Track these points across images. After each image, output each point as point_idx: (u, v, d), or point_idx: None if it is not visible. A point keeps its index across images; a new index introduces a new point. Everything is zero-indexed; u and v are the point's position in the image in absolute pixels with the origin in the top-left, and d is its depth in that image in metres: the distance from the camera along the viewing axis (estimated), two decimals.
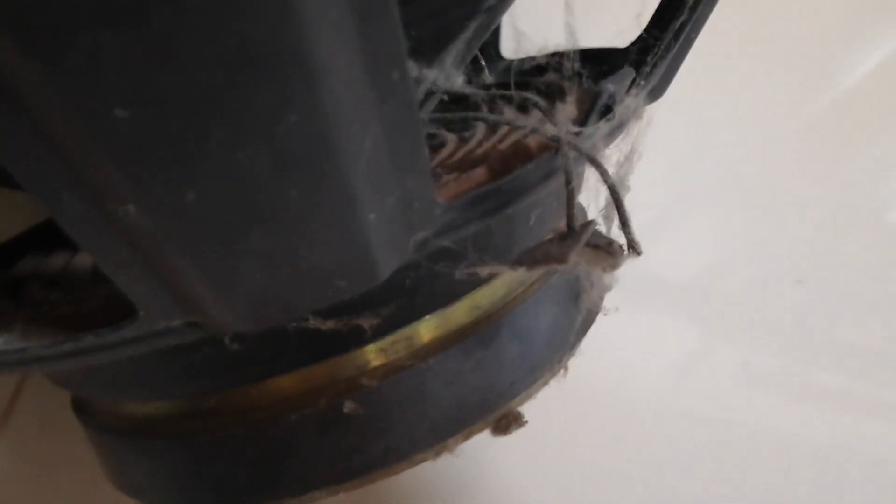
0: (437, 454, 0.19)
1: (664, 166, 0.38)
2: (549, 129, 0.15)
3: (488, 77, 0.23)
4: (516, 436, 0.31)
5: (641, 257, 0.38)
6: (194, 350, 0.16)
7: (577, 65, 0.20)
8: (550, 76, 0.26)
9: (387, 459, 0.18)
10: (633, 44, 0.23)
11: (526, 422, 0.20)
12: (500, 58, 0.29)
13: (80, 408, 0.22)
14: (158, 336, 0.14)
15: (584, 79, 0.21)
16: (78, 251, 0.24)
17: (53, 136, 0.09)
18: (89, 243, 0.12)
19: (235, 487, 0.18)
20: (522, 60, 0.29)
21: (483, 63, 0.23)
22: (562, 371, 0.21)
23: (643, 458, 0.32)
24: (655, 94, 0.20)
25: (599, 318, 0.33)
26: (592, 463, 0.32)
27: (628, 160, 0.21)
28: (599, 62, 0.22)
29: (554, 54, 0.28)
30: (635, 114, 0.17)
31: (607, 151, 0.20)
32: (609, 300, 0.31)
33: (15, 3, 0.08)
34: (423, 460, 0.18)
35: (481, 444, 0.31)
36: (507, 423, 0.20)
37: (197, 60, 0.09)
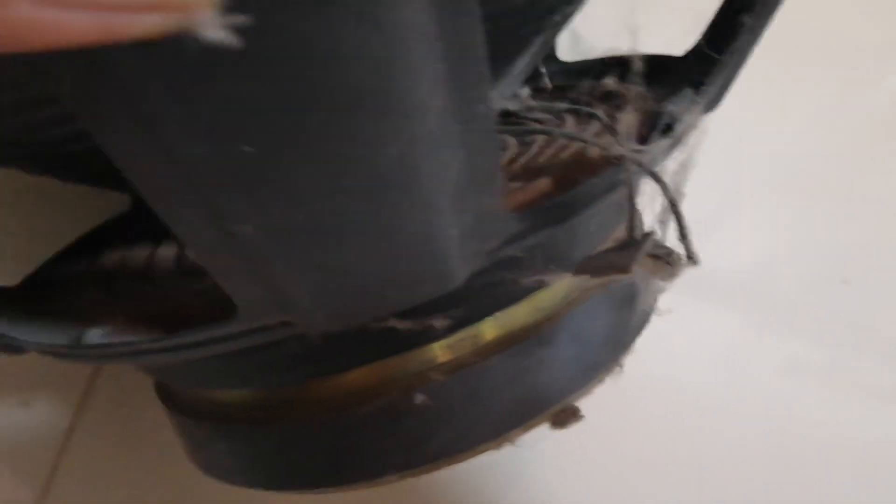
0: (499, 445, 0.20)
1: (715, 162, 0.38)
2: (612, 146, 0.16)
3: (547, 81, 0.24)
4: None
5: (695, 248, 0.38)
6: (280, 344, 0.18)
7: (638, 72, 0.21)
8: (608, 82, 0.27)
9: (453, 449, 0.19)
10: (689, 52, 0.23)
11: (583, 416, 0.21)
12: (557, 60, 0.30)
13: (164, 392, 0.24)
14: (253, 333, 0.16)
15: (642, 86, 0.22)
16: (159, 243, 0.26)
17: (186, 165, 0.11)
18: (204, 255, 0.13)
19: (313, 471, 0.20)
20: (579, 63, 0.30)
21: (542, 69, 0.24)
22: (617, 369, 0.22)
23: (686, 450, 0.33)
24: (711, 105, 0.21)
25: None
26: (634, 452, 0.33)
27: (683, 168, 0.22)
28: (656, 69, 0.23)
29: (610, 57, 0.29)
30: (684, 136, 0.18)
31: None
32: (662, 300, 0.32)
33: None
34: (485, 450, 0.20)
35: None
36: (564, 417, 0.21)
37: (315, 105, 0.10)
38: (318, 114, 0.10)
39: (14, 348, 0.20)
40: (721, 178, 0.38)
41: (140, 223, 0.29)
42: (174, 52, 0.08)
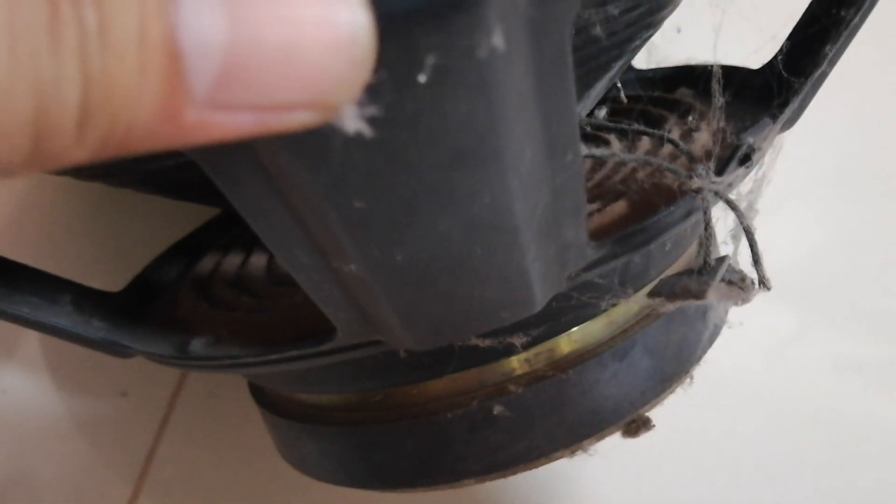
0: (573, 453, 0.21)
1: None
2: (689, 175, 0.17)
3: (622, 96, 0.25)
4: None
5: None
6: (370, 357, 0.19)
7: (718, 86, 0.21)
8: (683, 92, 0.27)
9: (528, 456, 0.20)
10: (765, 67, 0.24)
11: (654, 425, 0.22)
12: (632, 68, 0.30)
13: (258, 393, 0.25)
14: (348, 350, 0.17)
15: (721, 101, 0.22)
16: (250, 251, 0.27)
17: (301, 212, 0.12)
18: (308, 283, 0.14)
19: (396, 472, 0.21)
20: (654, 70, 0.30)
21: (618, 83, 0.25)
22: (688, 380, 0.22)
23: (735, 449, 0.33)
24: (788, 125, 0.21)
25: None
26: (681, 450, 0.33)
27: (758, 186, 0.22)
28: (728, 80, 0.23)
29: (686, 66, 0.29)
30: (769, 150, 0.18)
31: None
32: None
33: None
34: (560, 458, 0.21)
35: None
36: (636, 427, 0.21)
37: (422, 165, 0.11)
38: (423, 172, 0.11)
39: (121, 352, 0.22)
40: (773, 171, 0.37)
41: (231, 230, 0.30)
42: (319, 142, 0.10)
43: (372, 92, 0.09)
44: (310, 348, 0.17)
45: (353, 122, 0.09)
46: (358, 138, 0.09)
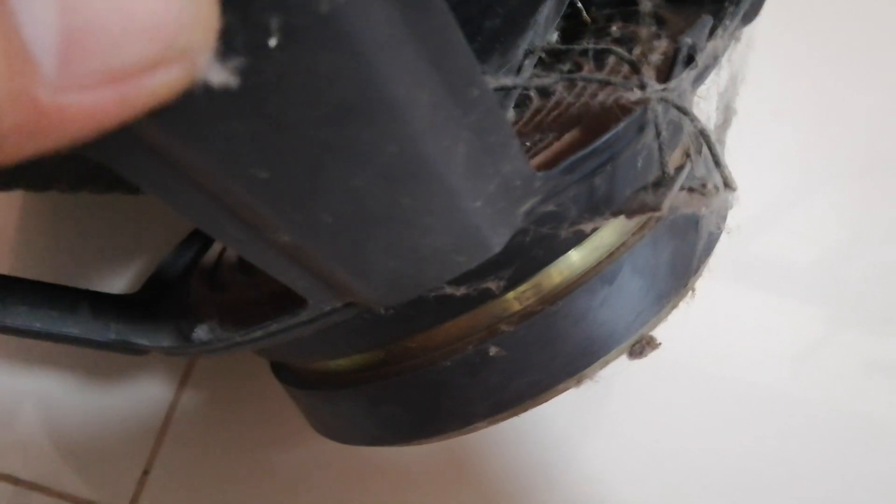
0: (579, 382, 0.21)
1: (789, 145, 0.36)
2: (634, 86, 0.16)
3: (585, 16, 0.24)
4: (628, 419, 0.33)
5: (764, 238, 0.37)
6: (358, 319, 0.19)
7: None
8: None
9: (532, 391, 0.20)
10: None
11: (659, 344, 0.22)
12: None
13: (276, 369, 0.26)
14: (326, 316, 0.18)
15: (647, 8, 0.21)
16: None
17: (213, 192, 0.12)
18: (255, 259, 0.15)
19: (405, 424, 0.22)
20: None
21: (579, 3, 0.24)
22: (689, 294, 0.22)
23: (766, 451, 0.33)
24: (749, 17, 0.20)
25: (718, 299, 0.33)
26: (710, 452, 0.33)
27: (733, 83, 0.21)
28: None
29: None
30: (717, 59, 0.18)
31: (710, 81, 0.21)
32: (744, 287, 0.31)
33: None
34: (565, 389, 0.21)
35: (589, 428, 0.33)
36: (640, 348, 0.21)
37: (308, 125, 0.11)
38: (312, 132, 0.11)
39: (135, 351, 0.23)
40: (793, 160, 0.36)
41: None
42: (189, 107, 0.10)
43: (228, 44, 0.09)
44: (287, 321, 0.17)
45: (217, 74, 0.09)
46: (227, 95, 0.09)
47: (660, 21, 0.23)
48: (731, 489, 0.32)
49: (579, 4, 0.23)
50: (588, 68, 0.19)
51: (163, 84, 0.09)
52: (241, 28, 0.09)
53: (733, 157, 0.20)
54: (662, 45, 0.20)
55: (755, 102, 0.24)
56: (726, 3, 0.19)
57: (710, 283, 0.24)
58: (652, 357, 0.22)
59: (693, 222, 0.21)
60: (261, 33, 0.09)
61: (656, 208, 0.16)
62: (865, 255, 0.35)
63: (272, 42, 0.10)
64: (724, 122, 0.21)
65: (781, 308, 0.34)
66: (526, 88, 0.19)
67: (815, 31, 0.38)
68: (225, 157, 0.11)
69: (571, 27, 0.24)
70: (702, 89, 0.20)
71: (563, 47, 0.20)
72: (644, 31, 0.20)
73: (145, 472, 0.34)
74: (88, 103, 0.08)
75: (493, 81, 0.18)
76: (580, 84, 0.19)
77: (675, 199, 0.16)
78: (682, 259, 0.21)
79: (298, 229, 0.13)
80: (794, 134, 0.36)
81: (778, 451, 0.33)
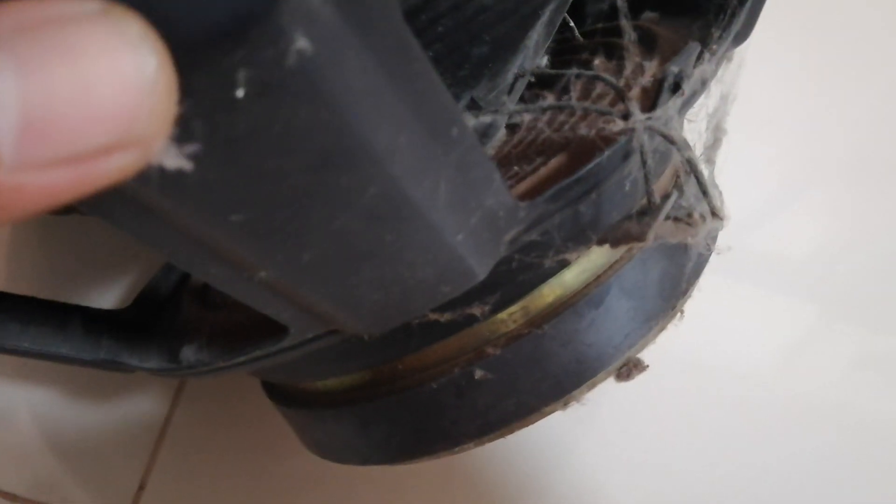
0: (566, 404, 0.21)
1: (783, 140, 0.36)
2: (618, 118, 0.16)
3: (577, 35, 0.24)
4: (620, 413, 0.33)
5: (758, 233, 0.37)
6: (344, 343, 0.19)
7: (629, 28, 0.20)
8: (648, 17, 0.26)
9: (519, 413, 0.20)
10: None
11: (646, 366, 0.22)
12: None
13: (268, 388, 0.26)
14: (309, 342, 0.18)
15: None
16: None
17: (193, 235, 0.12)
18: (237, 295, 0.15)
19: (394, 444, 0.22)
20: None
21: (571, 22, 0.24)
22: (678, 315, 0.22)
23: (746, 436, 0.33)
24: (740, 39, 0.20)
25: (712, 294, 0.33)
26: (703, 448, 0.33)
27: (724, 102, 0.21)
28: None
29: None
30: (705, 84, 0.18)
31: (700, 103, 0.20)
32: (735, 281, 0.31)
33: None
34: (552, 411, 0.21)
35: (583, 425, 0.33)
36: (628, 370, 0.21)
37: (286, 174, 0.11)
38: (290, 179, 0.11)
39: (125, 370, 0.23)
40: (787, 156, 0.36)
41: None
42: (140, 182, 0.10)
43: (185, 122, 0.09)
44: (270, 347, 0.18)
45: (172, 159, 0.09)
46: (180, 172, 0.09)
47: (651, 38, 0.23)
48: (722, 480, 0.32)
49: (571, 24, 0.23)
50: (576, 95, 0.19)
51: (118, 167, 0.09)
52: (205, 102, 0.09)
53: (726, 154, 0.20)
54: (652, 66, 0.20)
55: (749, 102, 0.24)
56: (713, 30, 0.19)
57: (703, 278, 0.24)
58: (643, 352, 0.22)
59: (682, 244, 0.21)
60: (227, 89, 0.09)
61: (640, 238, 0.16)
62: (857, 251, 0.35)
63: (239, 94, 0.09)
64: (715, 143, 0.21)
65: (773, 303, 0.34)
66: (510, 121, 0.19)
67: (808, 33, 0.38)
68: (200, 205, 0.11)
69: (563, 47, 0.24)
70: (692, 112, 0.20)
71: (552, 72, 0.20)
72: (632, 59, 0.20)
73: (141, 487, 0.34)
74: (45, 182, 0.09)
75: (471, 120, 0.18)
76: (567, 111, 0.19)
77: (660, 229, 0.16)
78: (670, 280, 0.21)
79: (280, 268, 0.13)
80: (788, 133, 0.36)
81: (768, 444, 0.33)
